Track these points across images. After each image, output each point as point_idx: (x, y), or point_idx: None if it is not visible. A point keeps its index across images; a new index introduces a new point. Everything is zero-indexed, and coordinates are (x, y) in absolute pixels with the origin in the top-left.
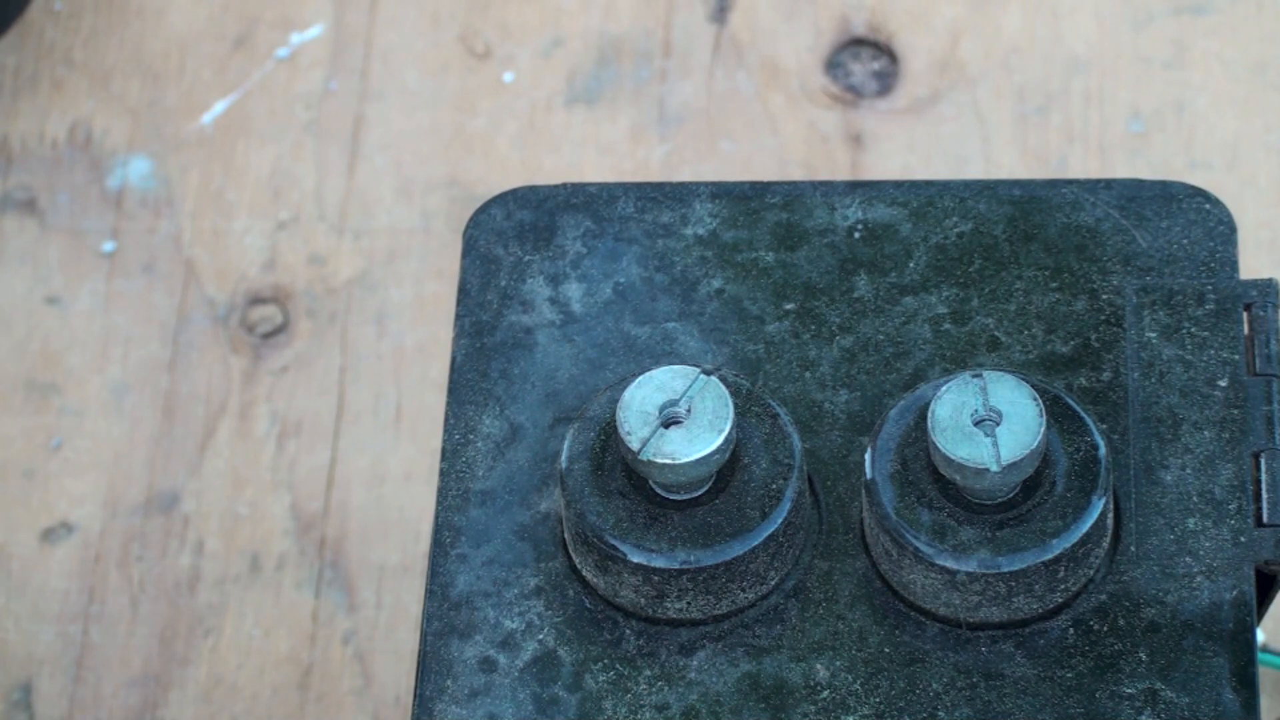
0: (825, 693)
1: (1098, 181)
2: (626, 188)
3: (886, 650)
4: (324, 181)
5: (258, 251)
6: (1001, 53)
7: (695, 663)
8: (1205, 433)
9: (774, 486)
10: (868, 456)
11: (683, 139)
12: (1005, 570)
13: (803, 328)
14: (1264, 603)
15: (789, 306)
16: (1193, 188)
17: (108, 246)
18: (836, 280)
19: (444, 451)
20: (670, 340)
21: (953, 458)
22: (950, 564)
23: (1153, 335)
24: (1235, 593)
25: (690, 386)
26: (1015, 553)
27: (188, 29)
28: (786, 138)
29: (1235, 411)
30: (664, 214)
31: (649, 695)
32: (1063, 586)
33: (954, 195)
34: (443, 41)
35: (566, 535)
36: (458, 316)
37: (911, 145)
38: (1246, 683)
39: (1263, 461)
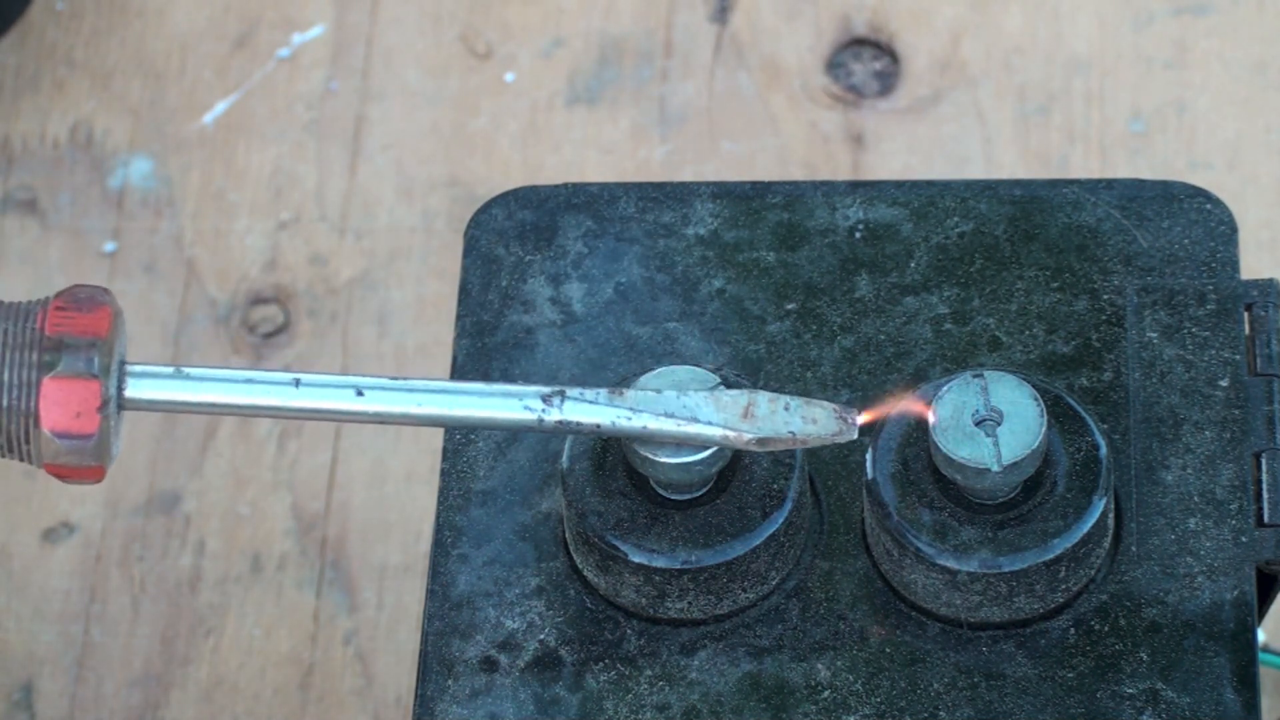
0: (826, 693)
1: (1099, 181)
2: (627, 188)
3: (887, 650)
4: (325, 181)
5: (259, 251)
6: (1002, 53)
7: (696, 663)
8: (1206, 433)
9: (775, 486)
10: (869, 456)
11: (684, 139)
12: (1006, 570)
13: (804, 328)
14: (1265, 603)
15: (790, 306)
16: (1194, 188)
17: (109, 247)
18: (837, 280)
19: (445, 451)
20: (671, 340)
21: (954, 458)
22: (951, 564)
23: (1154, 335)
24: (1236, 593)
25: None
26: (1016, 553)
27: (189, 29)
28: (787, 138)
29: (1236, 411)
30: (665, 214)
31: (650, 695)
32: (1064, 586)
33: (955, 195)
34: (444, 41)
35: (567, 535)
36: (459, 316)
37: (913, 145)
38: (1247, 683)
39: (1263, 461)
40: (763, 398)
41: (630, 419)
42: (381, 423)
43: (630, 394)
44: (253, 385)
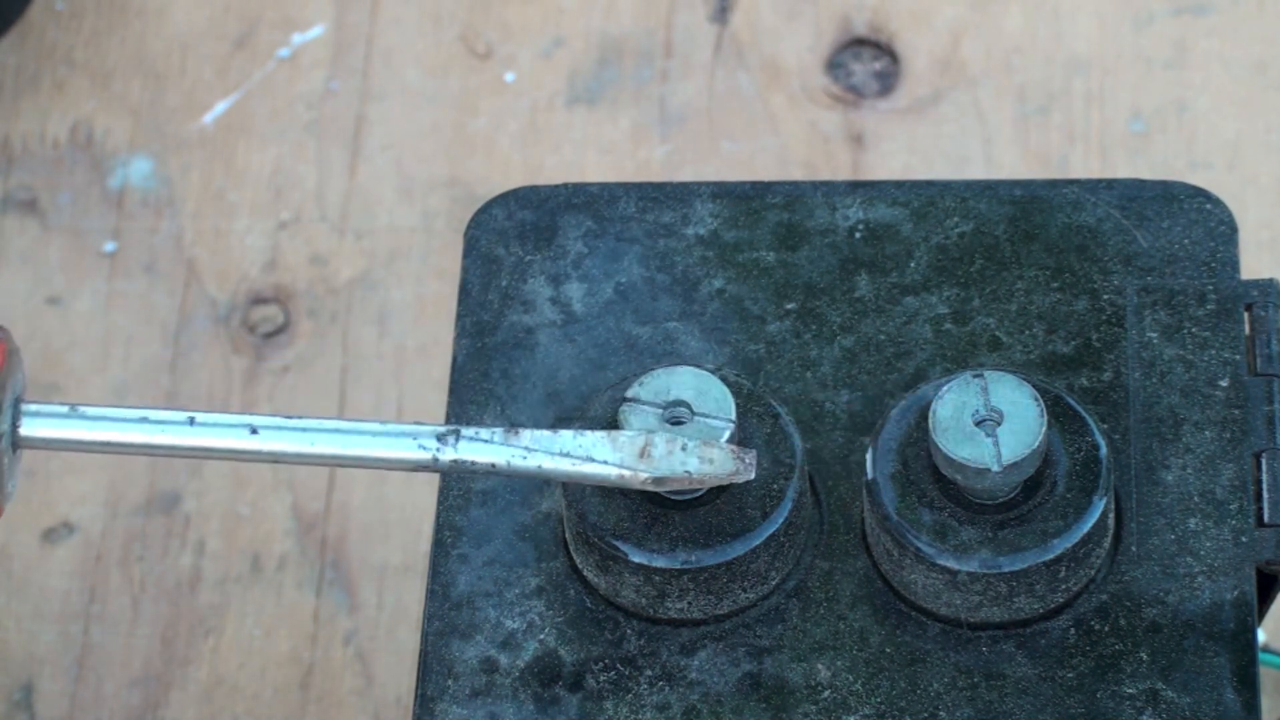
0: (826, 693)
1: (1099, 181)
2: (627, 188)
3: (888, 650)
4: (325, 181)
5: (259, 251)
6: (1003, 53)
7: (696, 663)
8: (1206, 433)
9: (775, 486)
10: (869, 456)
11: (684, 139)
12: (1006, 570)
13: (804, 327)
14: (1265, 603)
15: (790, 306)
16: (1194, 188)
17: (109, 247)
18: (837, 280)
19: None
20: (671, 340)
21: (954, 458)
22: (951, 564)
23: (1154, 335)
24: (1236, 593)
25: (701, 389)
26: (1016, 553)
27: (189, 29)
28: (787, 138)
29: (1236, 411)
30: (665, 214)
31: (650, 695)
32: (1064, 586)
33: (955, 195)
34: (444, 41)
35: (567, 535)
36: (459, 316)
37: (913, 145)
38: (1247, 683)
39: (1264, 461)
40: (660, 438)
41: (525, 458)
42: (276, 461)
43: (526, 433)
44: (147, 425)
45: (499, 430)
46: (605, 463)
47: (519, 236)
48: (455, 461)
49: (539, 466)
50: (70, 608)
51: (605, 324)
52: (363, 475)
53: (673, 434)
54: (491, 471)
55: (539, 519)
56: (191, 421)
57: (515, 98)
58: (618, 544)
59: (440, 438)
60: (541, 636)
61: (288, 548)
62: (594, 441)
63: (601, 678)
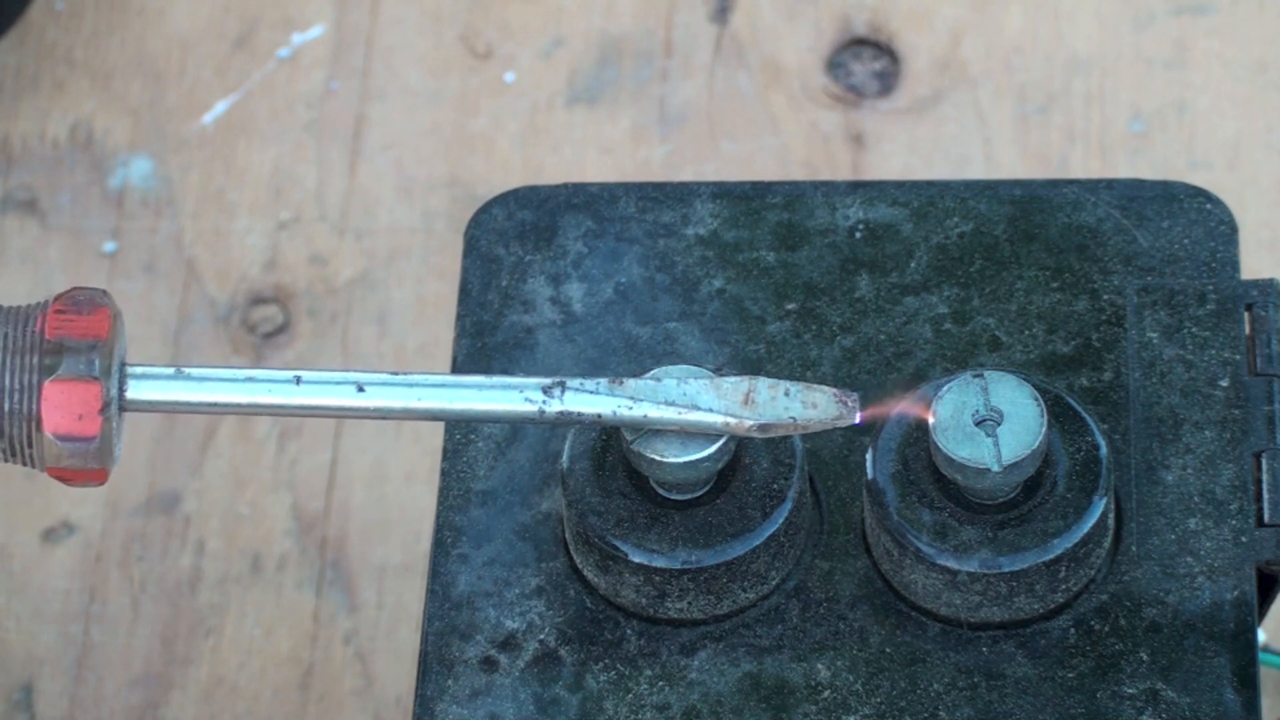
0: (826, 693)
1: (1099, 181)
2: (628, 188)
3: (888, 650)
4: (325, 181)
5: (259, 251)
6: (1003, 53)
7: (696, 663)
8: (1206, 433)
9: (775, 486)
10: (869, 457)
11: (684, 139)
12: (1006, 570)
13: (804, 328)
14: (1265, 603)
15: (790, 306)
16: (1194, 188)
17: (109, 247)
18: (838, 280)
19: (445, 451)
20: (672, 340)
21: (954, 458)
22: (951, 564)
23: (1154, 335)
24: (1236, 593)
25: None
26: (1016, 553)
27: (189, 29)
28: (788, 138)
29: (1236, 411)
30: (665, 214)
31: (650, 695)
32: (1064, 586)
33: (955, 195)
34: (444, 42)
35: (567, 535)
36: (459, 316)
37: (913, 145)
38: (1248, 683)
39: (1264, 461)
40: (763, 384)
41: (631, 408)
42: (383, 418)
43: (630, 383)
44: (253, 384)
45: (603, 381)
46: (711, 410)
47: (519, 236)
48: (562, 413)
49: (644, 416)
50: (70, 608)
51: (605, 324)
52: (363, 475)
53: (774, 380)
54: (597, 422)
55: (539, 519)
56: (298, 381)
57: (515, 98)
58: (618, 544)
59: (546, 390)
60: (541, 636)
61: (288, 548)
62: (698, 390)
63: (601, 678)
